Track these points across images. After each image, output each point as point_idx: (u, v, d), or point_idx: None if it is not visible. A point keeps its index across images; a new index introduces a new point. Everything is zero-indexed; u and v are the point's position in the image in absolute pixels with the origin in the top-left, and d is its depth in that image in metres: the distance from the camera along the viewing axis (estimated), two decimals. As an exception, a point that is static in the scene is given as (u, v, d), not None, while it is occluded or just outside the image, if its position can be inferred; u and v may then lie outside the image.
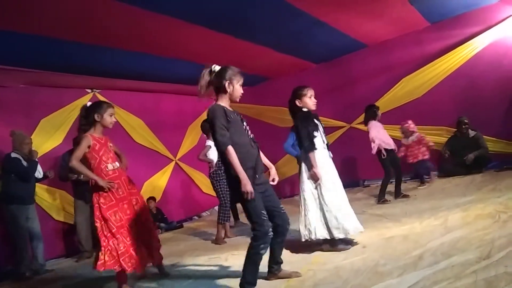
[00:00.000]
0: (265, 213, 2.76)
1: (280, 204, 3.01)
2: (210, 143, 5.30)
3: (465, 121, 6.53)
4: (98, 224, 3.33)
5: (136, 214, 3.55)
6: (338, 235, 3.54)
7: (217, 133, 2.71)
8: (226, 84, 2.84)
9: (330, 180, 3.66)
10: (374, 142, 5.74)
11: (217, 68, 2.92)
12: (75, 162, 3.33)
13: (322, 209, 3.61)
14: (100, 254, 3.31)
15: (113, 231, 3.31)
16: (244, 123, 2.93)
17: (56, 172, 5.60)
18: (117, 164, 3.57)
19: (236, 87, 2.87)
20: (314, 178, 3.62)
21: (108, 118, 3.52)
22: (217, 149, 2.82)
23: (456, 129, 6.70)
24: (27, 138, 5.13)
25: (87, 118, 3.52)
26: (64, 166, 5.50)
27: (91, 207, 3.48)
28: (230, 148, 2.68)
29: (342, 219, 3.56)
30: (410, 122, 6.51)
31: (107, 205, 3.37)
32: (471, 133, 6.52)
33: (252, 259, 2.76)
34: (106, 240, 3.31)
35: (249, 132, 2.93)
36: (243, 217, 6.71)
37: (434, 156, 6.88)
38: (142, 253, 3.48)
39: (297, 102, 3.73)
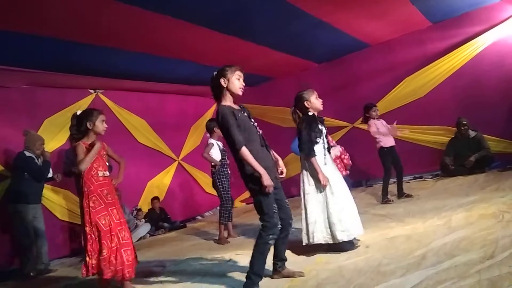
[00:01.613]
0: (276, 206, 2.83)
1: (285, 198, 3.07)
2: (213, 141, 5.30)
3: (464, 122, 6.51)
4: (87, 229, 3.34)
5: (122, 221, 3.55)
6: (342, 237, 3.52)
7: (233, 133, 2.75)
8: (222, 81, 2.88)
9: (332, 183, 3.66)
10: (377, 136, 5.79)
11: (216, 72, 2.96)
12: (83, 165, 3.36)
13: (326, 212, 3.60)
14: (87, 258, 3.31)
15: (100, 235, 3.33)
16: (252, 120, 2.96)
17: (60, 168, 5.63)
18: (107, 173, 3.57)
19: (232, 80, 2.88)
20: (322, 182, 3.61)
21: (100, 125, 3.53)
22: (231, 148, 2.82)
23: (456, 130, 6.70)
24: (41, 139, 5.18)
25: (79, 127, 3.53)
26: (67, 162, 5.52)
27: None
28: (245, 149, 2.74)
29: (346, 222, 3.55)
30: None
31: (96, 209, 3.38)
32: (472, 133, 6.51)
33: (260, 249, 2.80)
34: (92, 245, 3.33)
35: (258, 129, 2.96)
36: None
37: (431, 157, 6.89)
38: (124, 261, 3.41)
39: (306, 104, 3.72)
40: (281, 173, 3.07)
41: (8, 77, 5.52)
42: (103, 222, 3.37)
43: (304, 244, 3.67)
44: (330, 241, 3.57)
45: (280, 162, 3.12)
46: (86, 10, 4.28)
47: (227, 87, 2.89)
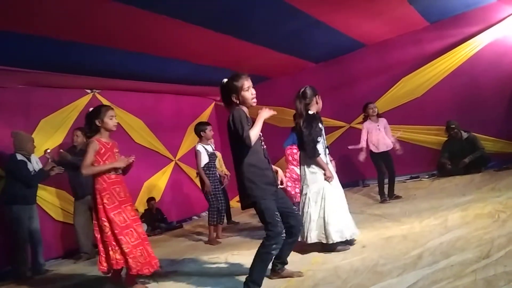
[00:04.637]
0: (278, 214, 2.78)
1: (292, 205, 3.06)
2: (199, 147, 5.29)
3: (452, 126, 6.52)
4: (105, 223, 3.34)
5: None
6: (336, 238, 3.54)
7: (245, 130, 2.69)
8: (233, 98, 2.85)
9: (334, 183, 3.69)
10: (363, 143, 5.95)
11: (225, 81, 2.91)
12: (86, 171, 3.38)
13: (323, 212, 3.59)
14: (111, 253, 3.31)
15: (116, 232, 3.33)
16: (260, 133, 2.88)
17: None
18: (120, 170, 3.59)
19: (243, 94, 2.82)
20: (329, 179, 3.63)
21: (109, 121, 3.53)
22: (236, 145, 2.80)
23: (447, 134, 6.70)
24: (32, 139, 5.10)
25: (90, 126, 3.55)
26: (63, 162, 5.44)
27: (91, 210, 3.50)
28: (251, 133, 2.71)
29: (341, 223, 3.58)
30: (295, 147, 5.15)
31: (111, 206, 3.38)
32: (464, 134, 6.51)
33: (262, 259, 2.75)
34: (113, 239, 3.34)
35: (263, 143, 2.92)
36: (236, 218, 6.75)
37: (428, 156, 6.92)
38: (150, 253, 3.48)
39: (317, 99, 3.73)
40: (281, 183, 3.05)
41: (4, 77, 5.49)
42: (119, 219, 3.38)
43: (299, 239, 3.66)
44: (324, 241, 3.58)
45: (280, 173, 3.09)
46: (81, 9, 4.26)
47: (239, 102, 2.84)
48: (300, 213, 3.71)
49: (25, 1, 3.87)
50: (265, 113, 2.83)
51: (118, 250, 3.32)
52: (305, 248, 3.72)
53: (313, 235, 3.60)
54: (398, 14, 6.34)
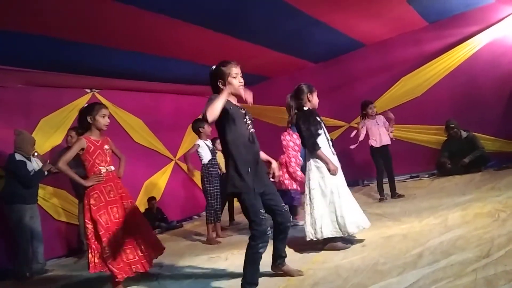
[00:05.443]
0: (263, 212, 2.74)
1: (281, 203, 3.01)
2: (200, 141, 5.29)
3: (452, 125, 6.56)
4: (89, 226, 3.36)
5: (127, 217, 3.54)
6: (353, 229, 3.55)
7: (206, 107, 2.54)
8: (220, 84, 2.80)
9: (337, 177, 3.69)
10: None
11: (213, 67, 2.89)
12: (61, 165, 3.38)
13: (332, 206, 3.58)
14: (90, 256, 3.34)
15: (100, 233, 3.33)
16: (247, 117, 2.85)
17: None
18: (112, 167, 3.59)
19: (230, 80, 2.76)
20: (333, 172, 3.63)
21: (101, 119, 3.53)
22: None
23: (446, 134, 6.72)
24: (34, 141, 5.11)
25: (82, 122, 3.56)
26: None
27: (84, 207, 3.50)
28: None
29: (354, 214, 3.61)
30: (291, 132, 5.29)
31: (97, 207, 3.39)
32: (464, 134, 6.54)
33: (251, 259, 2.74)
34: (95, 242, 3.35)
35: (250, 128, 2.85)
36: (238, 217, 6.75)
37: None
38: (131, 257, 3.46)
39: (309, 97, 3.73)
40: (273, 176, 3.00)
41: (3, 77, 5.48)
42: (104, 220, 3.38)
43: (308, 239, 3.64)
44: (339, 234, 3.55)
45: (274, 164, 3.04)
46: (82, 9, 4.27)
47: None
48: (309, 208, 3.68)
49: (25, 1, 3.87)
50: (231, 89, 2.64)
51: (97, 254, 3.32)
52: (306, 246, 3.73)
53: (325, 231, 3.55)
54: (397, 14, 6.35)
